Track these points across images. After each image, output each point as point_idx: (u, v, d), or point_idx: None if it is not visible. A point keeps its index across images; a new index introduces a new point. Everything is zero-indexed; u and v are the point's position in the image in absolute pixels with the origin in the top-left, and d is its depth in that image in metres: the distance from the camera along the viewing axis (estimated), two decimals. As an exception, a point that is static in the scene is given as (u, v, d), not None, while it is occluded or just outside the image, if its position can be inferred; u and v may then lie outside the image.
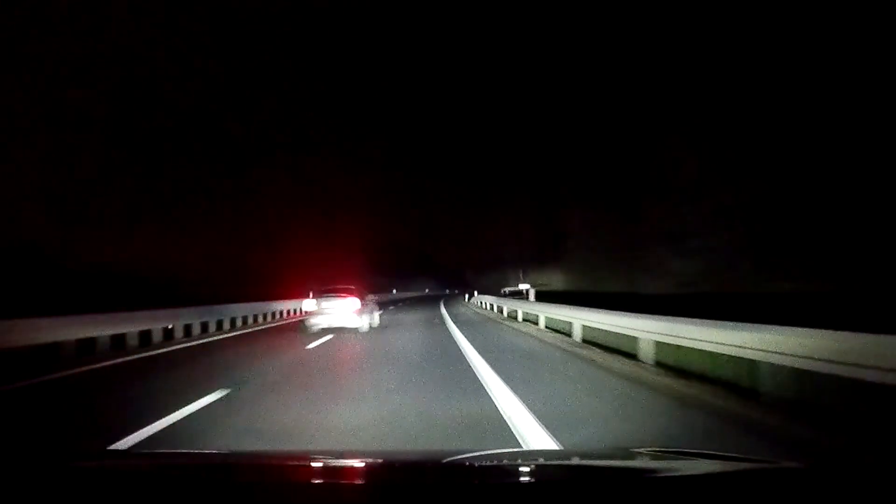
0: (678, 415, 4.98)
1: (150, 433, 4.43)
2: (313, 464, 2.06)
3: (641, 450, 2.15)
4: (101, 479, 1.55)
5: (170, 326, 13.10)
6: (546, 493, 1.36)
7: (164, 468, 1.87)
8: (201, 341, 12.78)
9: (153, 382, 7.35)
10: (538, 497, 1.33)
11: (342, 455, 2.56)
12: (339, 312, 13.70)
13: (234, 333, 15.05)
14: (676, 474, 1.66)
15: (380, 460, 2.19)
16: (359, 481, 1.69)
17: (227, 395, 5.90)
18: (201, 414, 5.12)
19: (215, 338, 13.66)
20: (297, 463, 2.09)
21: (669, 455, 2.10)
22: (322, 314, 13.85)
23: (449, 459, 1.99)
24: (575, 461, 2.16)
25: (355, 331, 13.67)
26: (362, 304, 14.24)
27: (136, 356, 10.05)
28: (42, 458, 1.97)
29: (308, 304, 16.55)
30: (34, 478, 1.48)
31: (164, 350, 11.01)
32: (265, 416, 5.13)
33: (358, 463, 2.07)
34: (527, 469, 1.91)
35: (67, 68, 16.77)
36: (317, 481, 1.64)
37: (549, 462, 2.15)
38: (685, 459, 1.97)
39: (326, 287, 14.69)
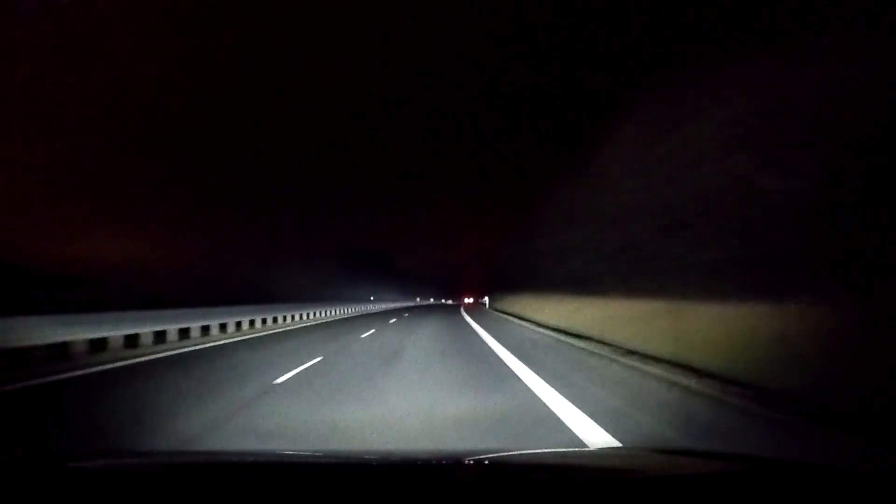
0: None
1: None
2: (315, 463, 2.03)
3: (641, 450, 2.16)
4: (100, 479, 1.52)
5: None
6: (545, 494, 1.35)
7: (164, 468, 1.84)
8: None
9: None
10: (537, 497, 1.33)
11: (346, 455, 2.56)
12: (470, 297, 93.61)
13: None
14: (676, 474, 1.68)
15: (379, 460, 2.18)
16: (363, 482, 1.65)
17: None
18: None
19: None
20: (302, 462, 2.06)
21: (669, 455, 2.12)
22: (466, 299, 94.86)
23: (448, 461, 2.00)
24: (575, 461, 2.18)
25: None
26: (476, 297, 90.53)
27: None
28: (41, 458, 1.91)
29: (466, 299, 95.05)
30: (33, 478, 1.45)
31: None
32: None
33: (361, 462, 2.05)
34: (525, 470, 1.90)
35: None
36: (319, 482, 1.60)
37: (547, 462, 2.15)
38: (685, 459, 1.99)
39: (468, 291, 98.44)
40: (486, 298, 50.32)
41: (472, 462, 1.95)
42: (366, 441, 4.09)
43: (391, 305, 61.21)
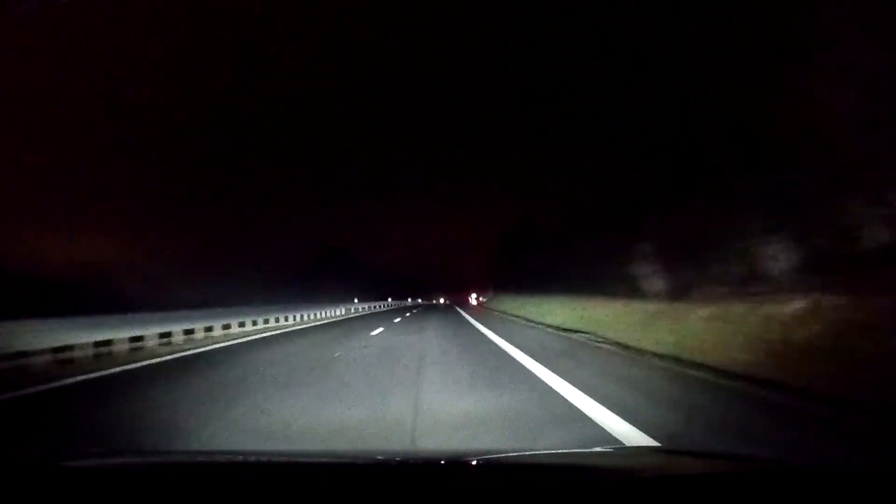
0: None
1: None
2: (315, 463, 2.02)
3: (643, 450, 2.17)
4: (95, 478, 1.50)
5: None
6: (546, 494, 1.35)
7: (159, 467, 1.82)
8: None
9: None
10: (537, 498, 1.32)
11: (346, 455, 2.56)
12: (475, 293, 75.84)
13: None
14: (677, 474, 1.68)
15: (380, 460, 2.18)
16: (360, 482, 1.64)
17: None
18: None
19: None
20: (302, 462, 2.04)
21: (670, 455, 2.13)
22: (472, 293, 76.69)
23: (450, 461, 2.00)
24: (576, 461, 2.17)
25: None
26: (477, 294, 73.07)
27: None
28: (35, 457, 1.90)
29: (471, 297, 74.68)
30: (27, 478, 1.42)
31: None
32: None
33: (361, 463, 2.04)
34: (526, 470, 1.90)
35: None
36: (318, 482, 1.58)
37: (548, 462, 2.15)
38: (686, 459, 2.00)
39: (475, 288, 75.77)
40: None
41: (473, 462, 1.95)
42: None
43: (328, 312, 29.30)
